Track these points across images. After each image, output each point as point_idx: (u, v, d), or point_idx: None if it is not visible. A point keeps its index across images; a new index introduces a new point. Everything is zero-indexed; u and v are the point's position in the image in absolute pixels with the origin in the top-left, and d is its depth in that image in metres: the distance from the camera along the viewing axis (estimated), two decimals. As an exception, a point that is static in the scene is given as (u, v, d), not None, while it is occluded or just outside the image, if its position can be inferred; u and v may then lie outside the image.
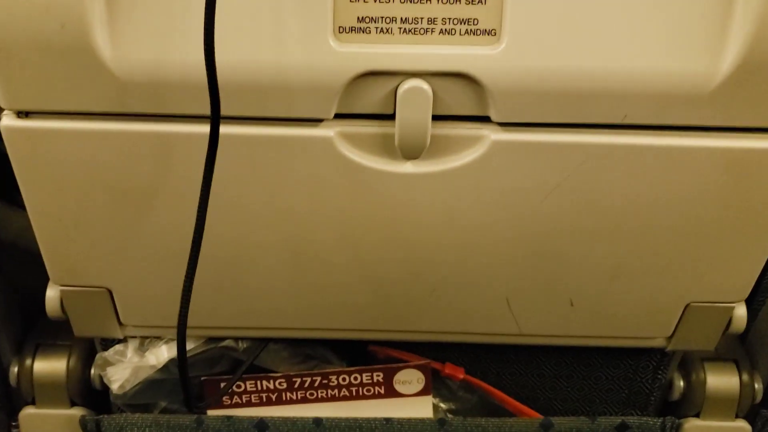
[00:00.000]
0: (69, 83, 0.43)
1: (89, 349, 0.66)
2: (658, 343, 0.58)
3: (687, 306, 0.54)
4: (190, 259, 0.43)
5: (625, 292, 0.53)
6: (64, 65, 0.42)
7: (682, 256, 0.51)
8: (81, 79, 0.43)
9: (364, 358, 0.63)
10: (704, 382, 0.63)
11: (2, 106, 0.45)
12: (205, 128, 0.42)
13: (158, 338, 0.59)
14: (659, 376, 0.64)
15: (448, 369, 0.63)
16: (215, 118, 0.40)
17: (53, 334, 0.66)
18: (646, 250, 0.50)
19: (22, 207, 0.50)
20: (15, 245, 0.64)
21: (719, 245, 0.50)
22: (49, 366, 0.65)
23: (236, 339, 0.59)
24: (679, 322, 0.56)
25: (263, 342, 0.59)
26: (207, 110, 0.41)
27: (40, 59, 0.42)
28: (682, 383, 0.65)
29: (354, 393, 0.62)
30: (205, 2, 0.37)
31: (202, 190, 0.43)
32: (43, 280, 0.56)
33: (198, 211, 0.43)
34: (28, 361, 0.65)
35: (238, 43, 0.41)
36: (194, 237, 0.43)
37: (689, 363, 0.65)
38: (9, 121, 0.45)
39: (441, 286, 0.53)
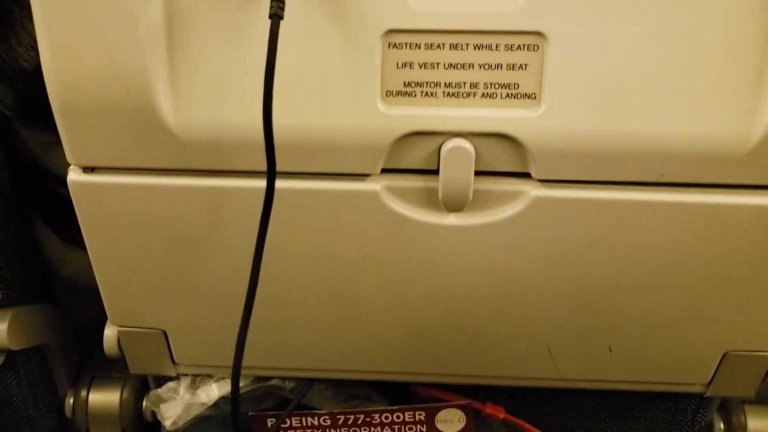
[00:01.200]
0: (132, 142, 0.46)
1: (142, 382, 0.69)
2: (697, 389, 0.59)
3: (725, 354, 0.55)
4: (245, 306, 0.46)
5: (663, 340, 0.54)
6: (127, 126, 0.45)
7: (720, 306, 0.52)
8: (143, 139, 0.45)
9: (406, 396, 0.65)
10: (745, 425, 0.63)
11: (69, 162, 0.48)
12: (259, 183, 0.45)
13: (209, 376, 0.61)
14: (699, 419, 0.64)
15: (489, 408, 0.64)
16: (271, 176, 0.43)
17: (108, 366, 0.69)
18: (684, 301, 0.51)
19: (81, 247, 0.52)
20: (75, 282, 0.67)
21: (757, 296, 0.51)
22: (104, 398, 0.68)
23: (283, 378, 0.61)
24: (717, 369, 0.56)
25: (309, 382, 0.61)
26: (262, 166, 0.43)
27: (105, 120, 0.45)
28: (722, 426, 0.65)
29: (396, 431, 0.63)
30: (265, 69, 0.40)
31: (257, 241, 0.45)
32: (101, 315, 0.58)
33: (254, 261, 0.46)
34: (84, 393, 0.68)
35: (293, 105, 0.44)
36: (249, 285, 0.46)
37: (729, 406, 0.65)
38: (75, 175, 0.48)
39: (481, 333, 0.54)
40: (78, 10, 0.42)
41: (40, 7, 0.42)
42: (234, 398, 0.49)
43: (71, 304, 0.70)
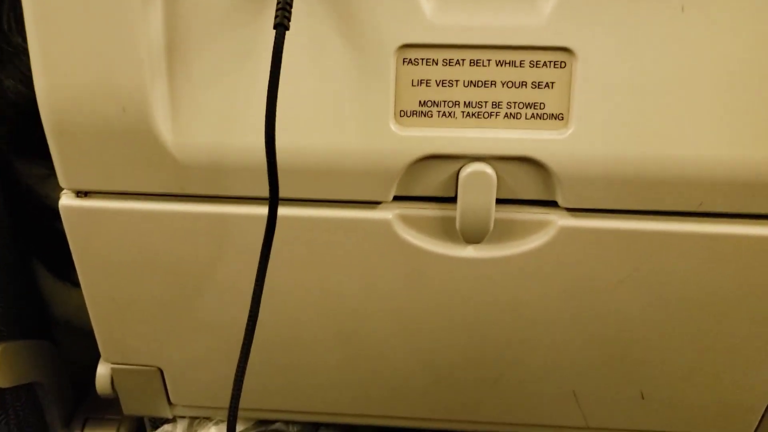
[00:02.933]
0: (128, 165, 0.43)
1: (138, 425, 0.65)
2: (739, 440, 0.54)
3: (770, 403, 0.51)
4: (244, 341, 0.42)
5: (701, 386, 0.50)
6: (123, 147, 0.42)
7: (764, 348, 0.47)
8: (140, 161, 0.42)
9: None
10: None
11: (62, 186, 0.45)
12: (262, 210, 0.42)
13: (208, 419, 0.58)
14: (741, 474, 0.59)
15: (508, 459, 0.59)
16: (273, 203, 0.40)
17: (103, 408, 0.66)
18: (723, 342, 0.47)
19: (76, 285, 0.50)
20: (70, 322, 0.64)
21: (805, 339, 0.47)
22: (98, 441, 0.65)
23: (287, 422, 0.57)
24: (762, 418, 0.52)
25: (315, 426, 0.57)
26: (265, 192, 0.40)
27: (100, 141, 0.42)
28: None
29: (408, 483, 0.59)
30: (269, 82, 0.37)
31: (258, 273, 0.42)
32: (96, 355, 0.55)
33: (253, 294, 0.42)
34: (77, 435, 0.65)
35: (299, 126, 0.41)
36: (249, 320, 0.42)
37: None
38: (68, 200, 0.45)
39: (503, 375, 0.50)
40: (74, 23, 0.39)
41: (34, 20, 0.40)
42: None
43: (66, 344, 0.67)
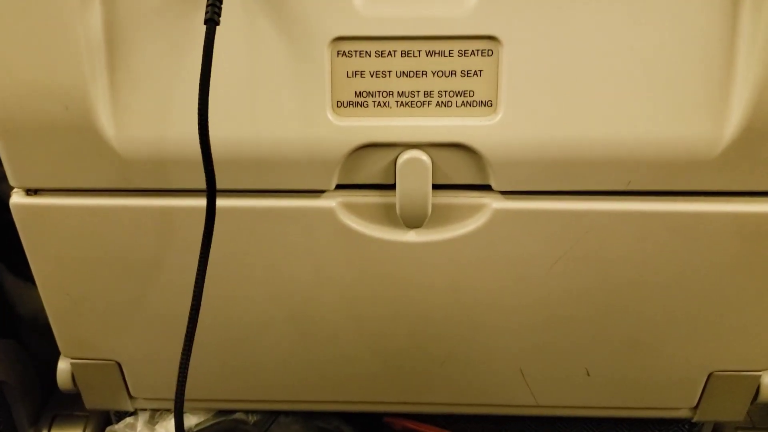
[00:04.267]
0: (74, 161, 0.44)
1: (105, 420, 0.66)
2: (683, 413, 0.56)
3: (710, 375, 0.52)
4: (187, 331, 0.43)
5: (643, 361, 0.51)
6: (68, 144, 0.43)
7: (701, 323, 0.49)
8: (85, 158, 0.43)
9: (379, 429, 0.62)
10: (738, 453, 0.60)
11: (12, 184, 0.46)
12: (205, 202, 0.43)
13: (168, 411, 0.58)
14: (689, 448, 0.61)
15: (466, 440, 0.61)
16: (211, 194, 0.41)
17: (71, 405, 0.66)
18: (662, 318, 0.49)
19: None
20: (35, 320, 0.65)
21: (739, 311, 0.48)
22: (65, 437, 0.65)
23: (246, 411, 0.58)
24: (703, 391, 0.53)
25: (274, 414, 0.58)
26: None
27: (46, 139, 0.43)
28: (714, 454, 0.62)
29: (368, 466, 0.60)
30: (200, 76, 0.38)
31: (199, 264, 0.43)
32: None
33: (195, 284, 0.43)
34: (44, 432, 0.65)
35: (237, 118, 0.42)
36: (191, 310, 0.43)
37: (722, 433, 0.62)
38: (18, 198, 0.46)
39: (451, 357, 0.51)
40: (13, 23, 0.40)
41: (-25, 22, 0.41)
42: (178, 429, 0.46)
43: (33, 342, 0.67)
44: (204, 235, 0.42)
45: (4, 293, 0.66)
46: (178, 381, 0.43)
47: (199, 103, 0.38)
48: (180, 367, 0.42)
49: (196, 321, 0.42)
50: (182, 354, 0.42)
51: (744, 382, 0.53)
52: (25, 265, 0.63)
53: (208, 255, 0.42)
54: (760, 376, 0.52)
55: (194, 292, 0.42)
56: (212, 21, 0.37)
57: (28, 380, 0.66)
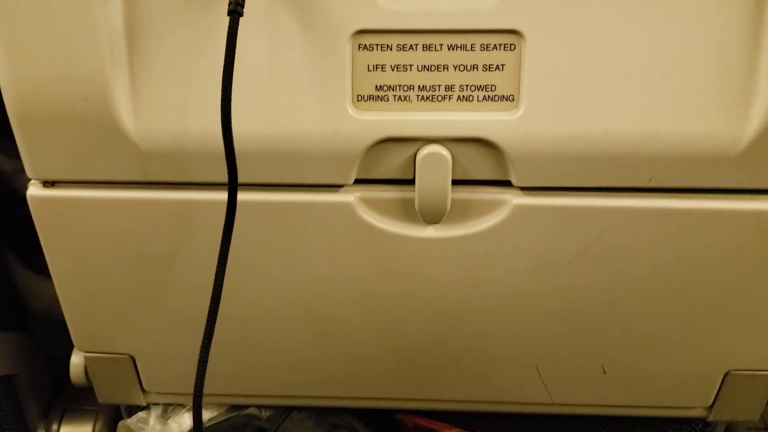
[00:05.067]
0: (92, 154, 0.44)
1: (115, 415, 0.66)
2: (698, 413, 0.55)
3: (727, 374, 0.52)
4: (206, 326, 0.43)
5: (660, 359, 0.51)
6: (87, 136, 0.43)
7: (719, 321, 0.49)
8: (104, 150, 0.43)
9: (391, 426, 0.61)
10: (751, 453, 0.60)
11: (29, 176, 0.45)
12: (225, 195, 0.42)
13: (181, 405, 0.58)
14: (702, 447, 0.61)
15: (478, 438, 0.61)
16: (233, 188, 0.41)
17: (81, 399, 0.66)
18: (679, 315, 0.48)
19: (51, 277, 0.50)
20: (47, 315, 0.65)
21: (757, 310, 0.48)
22: (75, 431, 0.65)
23: (259, 407, 0.58)
24: (719, 391, 0.53)
25: (287, 410, 0.58)
26: (227, 178, 0.41)
27: (64, 130, 0.43)
28: (727, 454, 0.62)
29: (381, 463, 0.60)
30: (224, 69, 0.38)
31: (219, 258, 0.43)
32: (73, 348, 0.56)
33: (216, 277, 0.43)
34: (55, 427, 0.65)
35: (257, 112, 0.42)
36: (211, 304, 0.43)
37: (734, 433, 0.62)
38: (35, 190, 0.46)
39: (467, 353, 0.51)
40: (36, 14, 0.40)
41: (-4, 13, 0.40)
42: (197, 424, 0.46)
43: (43, 337, 0.67)
44: (224, 229, 0.41)
45: (16, 287, 0.66)
46: (197, 376, 0.42)
47: (222, 95, 0.37)
48: (199, 363, 0.42)
49: (216, 315, 0.42)
50: (201, 349, 0.42)
51: (761, 381, 0.52)
52: (39, 259, 0.64)
53: (228, 248, 0.42)
54: (776, 375, 0.52)
55: (214, 285, 0.42)
56: (235, 12, 0.37)
57: (39, 374, 0.67)
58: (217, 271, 0.42)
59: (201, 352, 0.42)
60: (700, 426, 0.60)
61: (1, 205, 0.61)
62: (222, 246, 0.42)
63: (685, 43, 0.39)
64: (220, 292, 0.42)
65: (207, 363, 0.43)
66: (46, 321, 0.67)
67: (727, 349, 0.50)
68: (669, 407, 0.55)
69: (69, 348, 0.56)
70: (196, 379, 0.42)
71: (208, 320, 0.42)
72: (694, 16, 0.39)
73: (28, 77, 0.41)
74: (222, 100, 0.38)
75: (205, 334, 0.42)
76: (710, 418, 0.56)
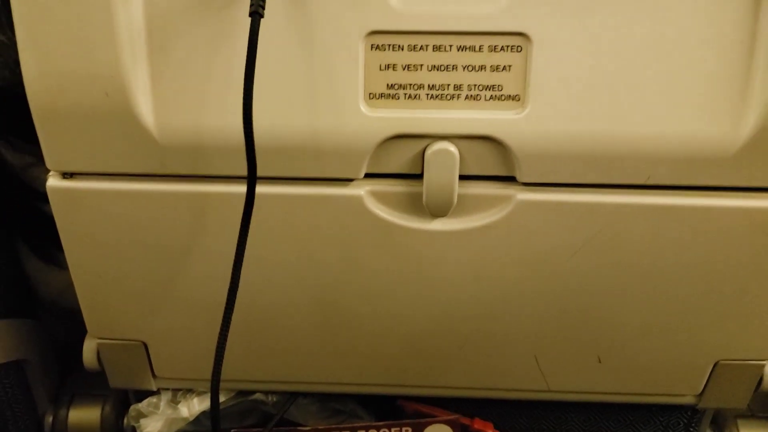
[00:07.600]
0: (111, 146, 0.45)
1: (123, 400, 0.67)
2: (688, 400, 0.58)
3: (716, 364, 0.54)
4: (224, 315, 0.45)
5: (653, 349, 0.53)
6: (107, 130, 0.44)
7: (711, 313, 0.51)
8: (123, 143, 0.45)
9: (392, 412, 0.63)
10: (738, 439, 0.62)
11: (48, 167, 0.47)
12: (241, 188, 0.44)
13: (191, 390, 0.60)
14: (691, 433, 0.63)
15: (477, 424, 0.62)
16: (251, 180, 0.42)
17: (89, 384, 0.67)
18: (673, 308, 0.51)
19: (60, 266, 0.51)
20: (56, 303, 0.66)
21: (747, 303, 0.50)
22: (84, 415, 0.67)
23: (266, 393, 0.60)
24: (708, 379, 0.55)
25: (292, 396, 0.60)
26: (243, 171, 0.43)
27: (85, 124, 0.44)
28: (715, 440, 0.64)
29: (382, 447, 0.62)
30: (245, 67, 0.39)
31: (237, 248, 0.44)
32: (82, 332, 0.57)
33: (233, 268, 0.45)
34: (63, 411, 0.67)
35: (274, 108, 0.43)
36: (229, 293, 0.45)
37: (722, 420, 0.64)
38: (54, 181, 0.47)
39: (469, 342, 0.53)
40: (57, 10, 0.41)
41: (20, 9, 0.42)
42: (214, 410, 0.47)
43: (52, 324, 0.69)
44: (242, 220, 0.43)
45: (26, 275, 0.67)
46: (215, 363, 0.44)
47: (244, 94, 0.39)
48: (216, 349, 0.44)
49: (233, 304, 0.44)
50: (219, 336, 0.44)
51: (748, 371, 0.55)
52: (48, 249, 0.65)
53: (245, 239, 0.43)
54: (764, 365, 0.54)
55: (232, 275, 0.44)
56: (257, 14, 0.39)
57: (48, 359, 0.68)
58: (235, 261, 0.44)
59: (219, 339, 0.44)
60: (689, 413, 0.63)
61: (13, 199, 0.62)
62: (240, 237, 0.44)
63: (684, 46, 0.41)
64: (238, 281, 0.44)
65: (224, 349, 0.44)
66: (54, 309, 0.68)
67: (717, 340, 0.53)
68: (660, 395, 0.57)
69: (76, 335, 0.58)
70: (214, 365, 0.44)
71: (226, 308, 0.44)
72: (693, 19, 0.41)
73: (50, 73, 0.43)
74: (244, 100, 0.39)
75: (223, 322, 0.44)
76: (699, 406, 0.58)
